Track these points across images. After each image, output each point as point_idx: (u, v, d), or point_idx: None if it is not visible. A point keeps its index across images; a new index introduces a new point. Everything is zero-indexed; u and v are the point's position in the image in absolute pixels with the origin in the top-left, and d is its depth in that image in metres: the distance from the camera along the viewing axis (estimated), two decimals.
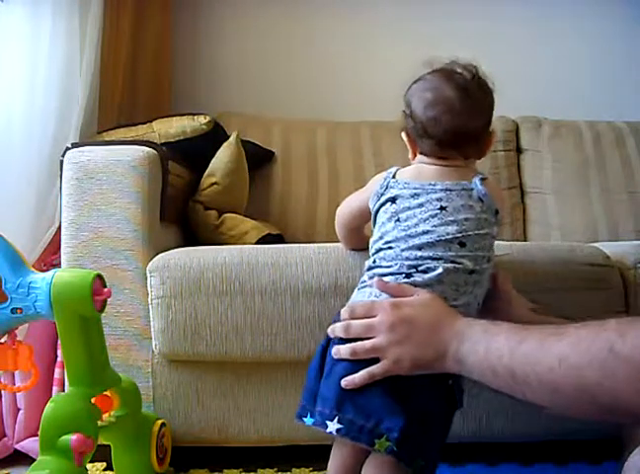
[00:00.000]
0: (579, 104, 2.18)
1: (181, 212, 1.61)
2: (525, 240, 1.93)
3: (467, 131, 1.03)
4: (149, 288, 1.26)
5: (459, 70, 1.07)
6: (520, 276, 1.22)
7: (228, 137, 1.70)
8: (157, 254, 1.29)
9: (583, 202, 1.94)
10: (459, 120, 1.03)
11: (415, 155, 1.10)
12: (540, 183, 1.98)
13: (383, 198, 1.04)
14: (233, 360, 1.27)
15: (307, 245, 1.30)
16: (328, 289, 1.21)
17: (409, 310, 0.91)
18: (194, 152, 1.61)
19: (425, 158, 1.07)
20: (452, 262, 0.97)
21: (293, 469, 1.30)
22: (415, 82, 1.09)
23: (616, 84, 2.25)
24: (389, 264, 0.98)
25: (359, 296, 1.00)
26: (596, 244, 1.40)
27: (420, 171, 1.06)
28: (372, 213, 1.07)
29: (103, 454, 1.19)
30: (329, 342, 0.97)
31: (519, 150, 2.04)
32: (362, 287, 1.01)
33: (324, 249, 1.26)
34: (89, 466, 1.25)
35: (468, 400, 1.28)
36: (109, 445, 1.20)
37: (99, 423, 1.08)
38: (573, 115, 2.09)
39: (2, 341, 1.10)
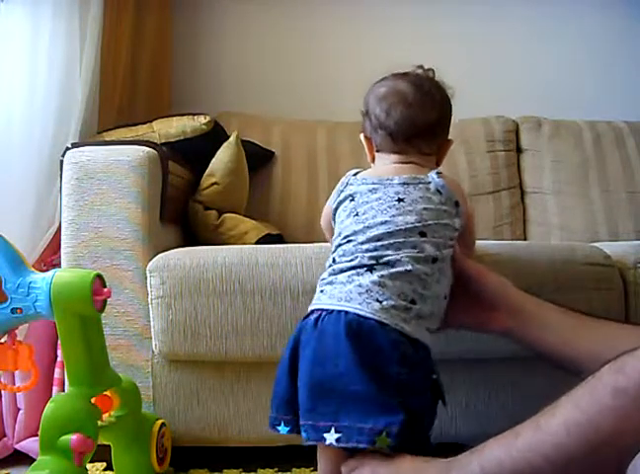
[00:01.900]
0: (579, 104, 2.18)
1: (181, 212, 1.61)
2: (525, 240, 1.93)
3: (419, 124, 1.06)
4: (149, 288, 1.26)
5: (415, 71, 1.12)
6: (520, 276, 1.22)
7: (228, 137, 1.70)
8: (157, 254, 1.29)
9: (583, 202, 1.94)
10: (411, 111, 1.06)
11: (373, 158, 1.13)
12: (540, 183, 1.98)
13: (343, 195, 1.07)
14: (233, 360, 1.27)
15: (307, 245, 1.30)
16: None
17: None
18: (194, 152, 1.61)
19: (382, 155, 1.10)
20: (414, 248, 0.96)
21: (293, 469, 1.30)
22: (373, 85, 1.13)
23: (616, 84, 2.25)
24: (349, 258, 0.98)
25: (323, 298, 0.97)
26: (596, 244, 1.40)
27: (378, 169, 1.09)
28: (332, 211, 1.09)
29: (103, 454, 1.19)
30: (295, 349, 0.96)
31: (519, 150, 2.04)
32: (325, 284, 0.99)
33: (324, 249, 1.26)
34: (89, 466, 1.25)
35: (468, 401, 1.29)
36: (109, 445, 1.20)
37: (99, 423, 1.08)
38: (573, 115, 2.09)
39: (2, 341, 1.10)
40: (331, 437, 0.89)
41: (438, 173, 1.05)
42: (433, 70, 1.13)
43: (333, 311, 0.94)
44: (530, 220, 1.97)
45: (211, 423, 1.30)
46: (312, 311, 0.98)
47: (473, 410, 1.29)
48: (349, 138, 1.97)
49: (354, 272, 0.96)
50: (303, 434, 0.93)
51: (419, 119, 1.06)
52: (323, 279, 1.01)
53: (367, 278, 0.94)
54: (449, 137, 1.13)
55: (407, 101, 1.07)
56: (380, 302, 0.93)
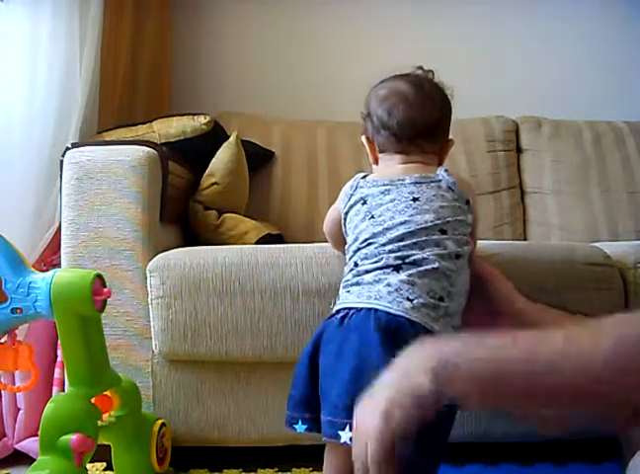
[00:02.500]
0: (579, 104, 2.18)
1: (181, 212, 1.61)
2: (525, 240, 1.93)
3: (421, 124, 1.07)
4: (149, 288, 1.26)
5: (415, 72, 1.12)
6: (520, 276, 1.22)
7: (228, 137, 1.70)
8: (157, 254, 1.29)
9: (583, 202, 1.94)
10: (412, 111, 1.06)
11: (376, 160, 1.13)
12: (540, 183, 1.98)
13: (353, 199, 1.06)
14: (233, 360, 1.27)
15: (307, 245, 1.30)
16: (328, 289, 1.21)
17: None
18: (194, 152, 1.61)
19: (385, 156, 1.10)
20: (437, 246, 0.96)
21: (293, 469, 1.30)
22: (373, 87, 1.13)
23: (616, 84, 2.25)
24: (373, 260, 0.97)
25: (350, 297, 0.97)
26: (596, 244, 1.40)
27: (386, 171, 1.09)
28: (342, 215, 1.08)
29: (103, 454, 1.19)
30: (316, 348, 0.95)
31: (519, 150, 2.04)
32: (351, 285, 0.98)
33: (324, 249, 1.26)
34: (89, 466, 1.25)
35: None
36: (109, 445, 1.20)
37: (99, 423, 1.08)
38: (573, 115, 2.09)
39: (2, 341, 1.10)
40: (346, 436, 0.87)
41: (446, 170, 1.05)
42: (432, 71, 1.13)
43: (362, 309, 0.93)
44: (530, 220, 1.97)
45: (211, 423, 1.31)
46: (338, 310, 0.97)
47: (473, 411, 1.29)
48: (349, 138, 1.97)
49: (380, 271, 0.95)
50: (323, 431, 0.92)
51: (421, 119, 1.06)
52: (347, 281, 1.00)
53: (396, 278, 0.94)
54: (450, 137, 1.13)
55: (408, 101, 1.07)
56: (411, 301, 0.92)
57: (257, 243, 1.54)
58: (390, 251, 0.96)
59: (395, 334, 0.90)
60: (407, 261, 0.95)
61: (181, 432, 1.31)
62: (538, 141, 2.02)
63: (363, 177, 1.09)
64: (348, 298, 0.97)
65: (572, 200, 1.94)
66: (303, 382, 0.96)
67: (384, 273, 0.95)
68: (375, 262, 0.97)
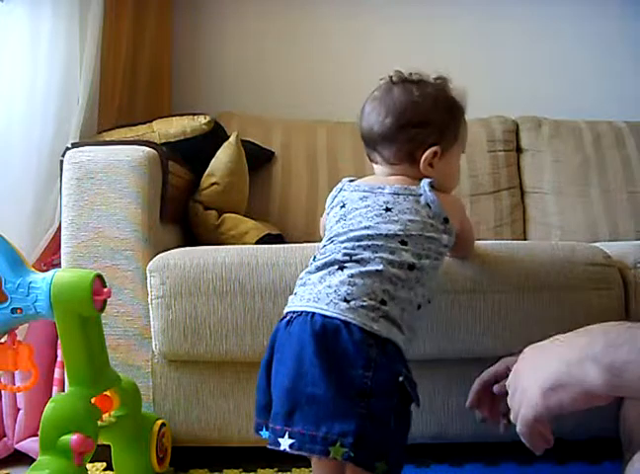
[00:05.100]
0: (579, 104, 2.18)
1: (181, 212, 1.61)
2: (525, 240, 1.93)
3: (374, 131, 1.07)
4: (149, 288, 1.26)
5: (394, 78, 1.10)
6: (520, 276, 1.22)
7: (228, 137, 1.70)
8: (157, 254, 1.29)
9: (583, 202, 1.94)
10: (366, 122, 1.09)
11: None
12: (540, 183, 1.98)
13: (336, 200, 1.07)
14: (233, 360, 1.27)
15: (307, 245, 1.30)
16: None
17: None
18: (194, 152, 1.61)
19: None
20: (391, 253, 0.95)
21: (293, 469, 1.30)
22: None
23: (616, 84, 2.25)
24: (327, 254, 0.97)
25: (295, 300, 0.96)
26: (596, 244, 1.40)
27: (372, 178, 1.10)
28: (326, 216, 1.09)
29: (103, 454, 1.19)
30: (272, 354, 0.95)
31: (519, 150, 2.04)
32: (299, 286, 0.98)
33: None
34: (89, 466, 1.25)
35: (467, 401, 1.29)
36: (109, 445, 1.20)
37: (99, 423, 1.08)
38: (573, 115, 2.09)
39: (2, 341, 1.10)
40: (285, 443, 0.87)
41: (431, 186, 1.02)
42: (412, 73, 1.09)
43: (302, 313, 0.93)
44: (530, 220, 1.97)
45: (211, 423, 1.31)
46: (286, 314, 0.97)
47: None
48: (349, 138, 1.97)
49: (325, 271, 0.95)
50: (266, 431, 0.93)
51: (375, 128, 1.07)
52: (300, 279, 1.00)
53: (337, 278, 0.93)
54: (434, 147, 1.06)
55: (365, 112, 1.09)
56: (348, 302, 0.90)
57: (257, 243, 1.54)
58: (344, 247, 0.96)
59: (332, 336, 0.89)
60: (353, 258, 0.94)
61: (181, 432, 1.31)
62: (538, 141, 2.02)
63: (351, 180, 1.09)
64: (293, 301, 0.97)
65: (572, 200, 1.94)
66: (263, 388, 0.95)
67: (329, 272, 0.94)
68: (327, 256, 0.97)
